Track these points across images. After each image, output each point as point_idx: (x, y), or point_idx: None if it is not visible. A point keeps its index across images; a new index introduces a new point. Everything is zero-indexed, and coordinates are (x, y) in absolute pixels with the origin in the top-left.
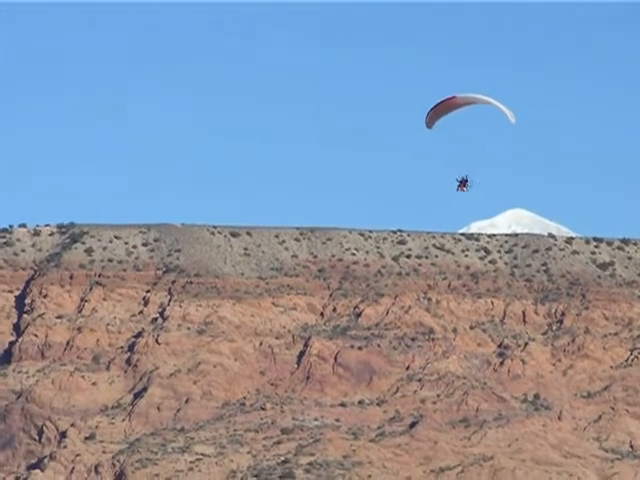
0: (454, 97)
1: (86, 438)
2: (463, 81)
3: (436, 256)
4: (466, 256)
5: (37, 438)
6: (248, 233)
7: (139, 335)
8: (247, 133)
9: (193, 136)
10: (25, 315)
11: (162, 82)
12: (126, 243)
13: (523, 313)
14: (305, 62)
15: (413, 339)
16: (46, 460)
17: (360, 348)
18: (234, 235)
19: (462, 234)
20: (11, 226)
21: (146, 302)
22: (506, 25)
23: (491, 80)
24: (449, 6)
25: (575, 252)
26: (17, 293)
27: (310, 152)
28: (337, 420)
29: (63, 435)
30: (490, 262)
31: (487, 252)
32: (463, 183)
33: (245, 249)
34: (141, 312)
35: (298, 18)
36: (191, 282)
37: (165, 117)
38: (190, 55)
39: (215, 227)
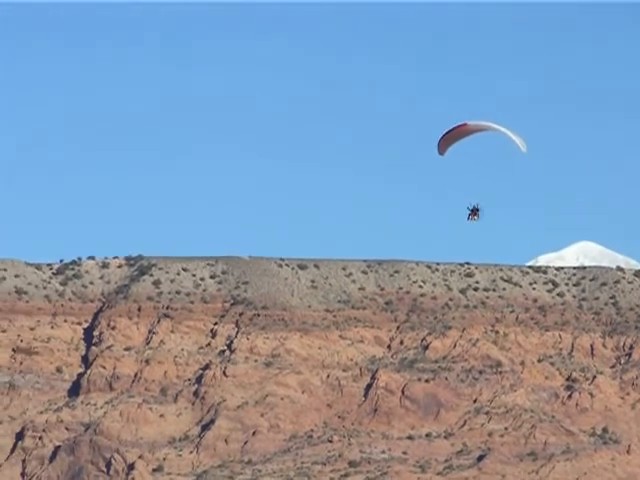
0: (465, 124)
1: (154, 470)
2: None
3: (504, 289)
4: (534, 289)
5: (105, 470)
6: (316, 265)
7: (206, 367)
8: (312, 166)
9: (260, 169)
10: (93, 347)
11: (226, 118)
12: (194, 275)
13: (591, 346)
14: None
15: (481, 372)
16: None
17: (427, 381)
18: (302, 267)
19: (530, 267)
20: (80, 258)
21: (214, 334)
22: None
23: (560, 120)
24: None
25: None
26: (85, 325)
27: (377, 185)
28: (404, 453)
29: (131, 467)
30: (558, 295)
31: (555, 285)
32: (474, 212)
33: (312, 281)
34: (209, 344)
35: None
36: (258, 314)
37: (230, 149)
38: (248, 87)
39: (283, 259)
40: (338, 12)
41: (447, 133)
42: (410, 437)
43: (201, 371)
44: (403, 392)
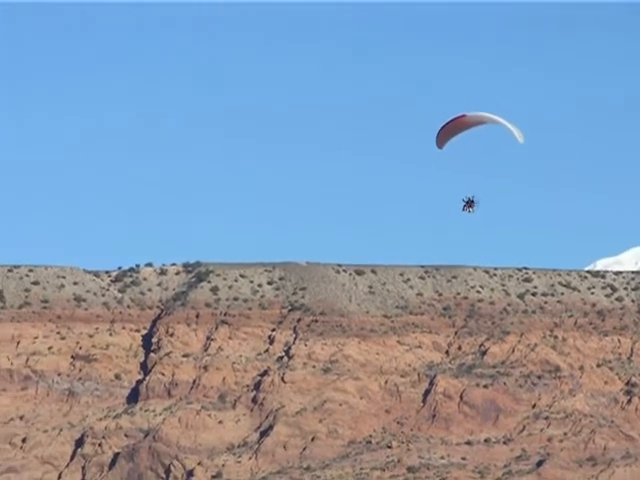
0: (464, 115)
1: (213, 477)
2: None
3: (562, 294)
4: (592, 293)
5: (164, 477)
6: (373, 271)
7: (265, 373)
8: (370, 172)
9: (318, 175)
10: (152, 354)
11: (286, 125)
12: (251, 282)
13: None
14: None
15: (539, 377)
16: None
17: (486, 386)
18: (359, 273)
19: (588, 271)
20: (138, 265)
21: (272, 340)
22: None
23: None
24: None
25: None
26: (144, 332)
27: (435, 190)
28: (463, 458)
29: (190, 474)
30: (616, 299)
31: (613, 289)
32: (469, 204)
33: (370, 287)
34: (267, 350)
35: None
36: (316, 320)
37: (284, 156)
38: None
39: (340, 265)
40: (335, 10)
41: (445, 125)
42: (469, 443)
43: (259, 377)
44: (461, 397)
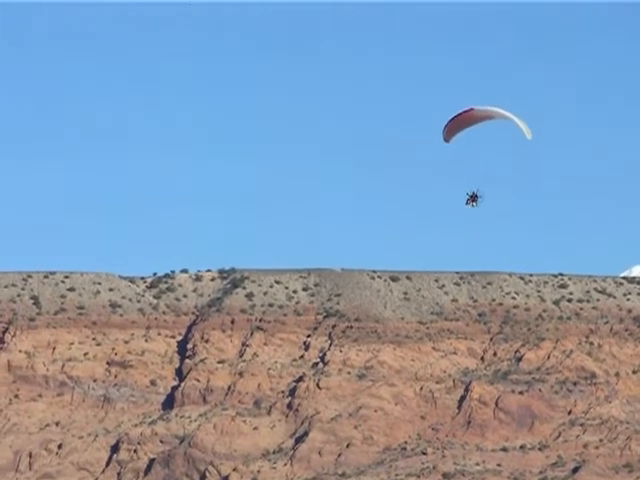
0: (472, 109)
1: None
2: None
3: (597, 300)
4: (628, 300)
5: None
6: (408, 277)
7: (300, 380)
8: (404, 178)
9: (352, 181)
10: (187, 360)
11: (318, 131)
12: (286, 288)
13: None
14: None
15: (575, 383)
16: None
17: (521, 393)
18: (394, 280)
19: (624, 278)
20: (173, 272)
21: (307, 347)
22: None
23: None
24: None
25: None
26: (179, 338)
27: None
28: (499, 465)
29: None
30: None
31: None
32: (473, 198)
33: (405, 293)
34: (302, 357)
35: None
36: (351, 327)
37: (321, 162)
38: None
39: (375, 272)
40: (331, 11)
41: (453, 119)
42: (504, 449)
43: (294, 383)
44: (497, 404)
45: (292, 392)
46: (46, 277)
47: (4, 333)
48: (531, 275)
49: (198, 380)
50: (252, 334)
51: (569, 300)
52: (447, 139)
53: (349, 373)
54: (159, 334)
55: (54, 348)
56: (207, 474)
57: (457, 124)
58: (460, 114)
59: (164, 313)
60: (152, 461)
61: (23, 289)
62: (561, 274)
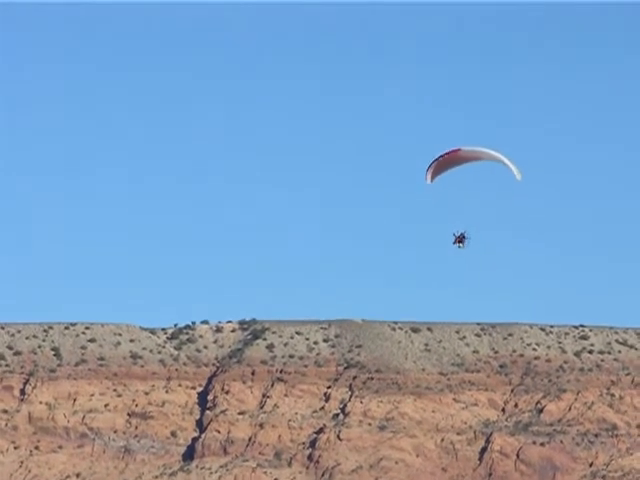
0: (459, 149)
1: None
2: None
3: (619, 351)
4: None
5: None
6: (429, 329)
7: (321, 431)
8: (423, 229)
9: (373, 233)
10: (208, 411)
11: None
12: (307, 339)
13: None
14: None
15: (596, 435)
16: None
17: (542, 444)
18: (415, 331)
19: None
20: (194, 323)
21: (327, 398)
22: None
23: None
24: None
25: None
26: (200, 389)
27: (489, 248)
28: None
29: None
30: None
31: None
32: (460, 239)
33: (426, 345)
34: (322, 408)
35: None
36: (372, 378)
37: (337, 214)
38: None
39: (396, 323)
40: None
41: (438, 159)
42: None
43: (315, 435)
44: (518, 456)
45: (313, 443)
46: (67, 328)
47: (25, 384)
48: (552, 326)
49: (219, 431)
50: (273, 385)
51: (590, 351)
52: (430, 180)
53: (370, 424)
54: (180, 385)
55: (75, 399)
56: None
57: (442, 165)
58: (446, 154)
59: (185, 364)
60: None
61: (44, 340)
62: (582, 325)
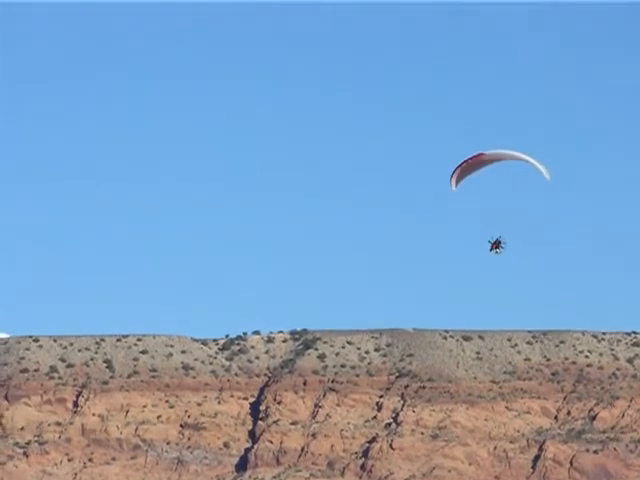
0: (481, 154)
1: None
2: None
3: None
4: None
5: None
6: (480, 337)
7: (373, 440)
8: (475, 236)
9: (423, 242)
10: (260, 422)
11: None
12: (358, 348)
13: None
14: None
15: None
16: None
17: (596, 452)
18: (466, 339)
19: None
20: (245, 333)
21: (379, 407)
22: None
23: None
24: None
25: None
26: (252, 400)
27: (542, 254)
28: None
29: None
30: None
31: None
32: (496, 244)
33: (477, 353)
34: (375, 417)
35: None
36: (424, 387)
37: (394, 221)
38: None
39: (447, 331)
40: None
41: (461, 165)
42: None
43: (367, 444)
44: (571, 463)
45: (365, 453)
46: (119, 340)
47: (78, 397)
48: (604, 333)
49: (271, 442)
50: (325, 395)
51: None
52: (454, 186)
53: (422, 433)
54: (232, 396)
55: (127, 411)
56: None
57: (465, 170)
58: (469, 159)
59: (236, 375)
60: None
61: (96, 353)
62: (634, 332)
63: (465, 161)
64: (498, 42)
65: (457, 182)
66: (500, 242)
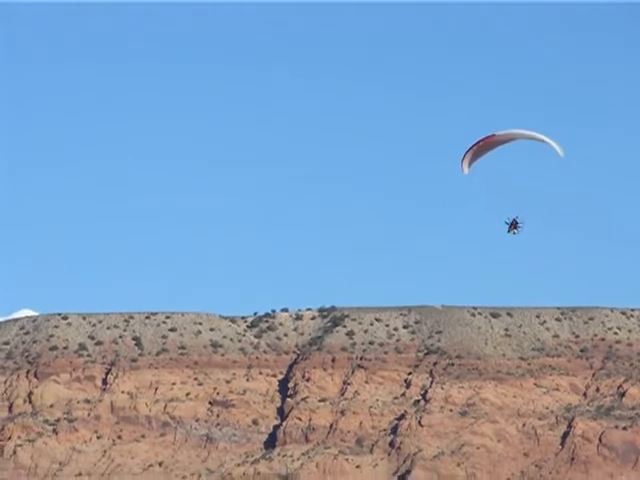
0: (493, 135)
1: None
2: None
3: None
4: None
5: None
6: (509, 314)
7: (402, 417)
8: (502, 213)
9: (452, 219)
10: (289, 399)
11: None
12: (387, 326)
13: None
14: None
15: None
16: None
17: (625, 428)
18: (495, 316)
19: None
20: (274, 311)
21: (408, 384)
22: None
23: None
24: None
25: None
26: (280, 377)
27: (571, 231)
28: None
29: None
30: None
31: None
32: (514, 225)
33: (506, 330)
34: (403, 394)
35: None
36: (452, 364)
37: (423, 201)
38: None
39: (475, 308)
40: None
41: (472, 147)
42: None
43: (396, 421)
44: (600, 440)
45: (394, 430)
46: (147, 318)
47: (107, 374)
48: (633, 310)
49: (300, 419)
50: (353, 372)
51: None
52: (467, 169)
53: (451, 410)
54: (260, 373)
55: (156, 389)
56: None
57: (477, 152)
58: (481, 141)
59: (265, 352)
60: None
61: (125, 330)
62: None
63: (476, 143)
64: (506, 30)
65: (470, 164)
66: (517, 223)
